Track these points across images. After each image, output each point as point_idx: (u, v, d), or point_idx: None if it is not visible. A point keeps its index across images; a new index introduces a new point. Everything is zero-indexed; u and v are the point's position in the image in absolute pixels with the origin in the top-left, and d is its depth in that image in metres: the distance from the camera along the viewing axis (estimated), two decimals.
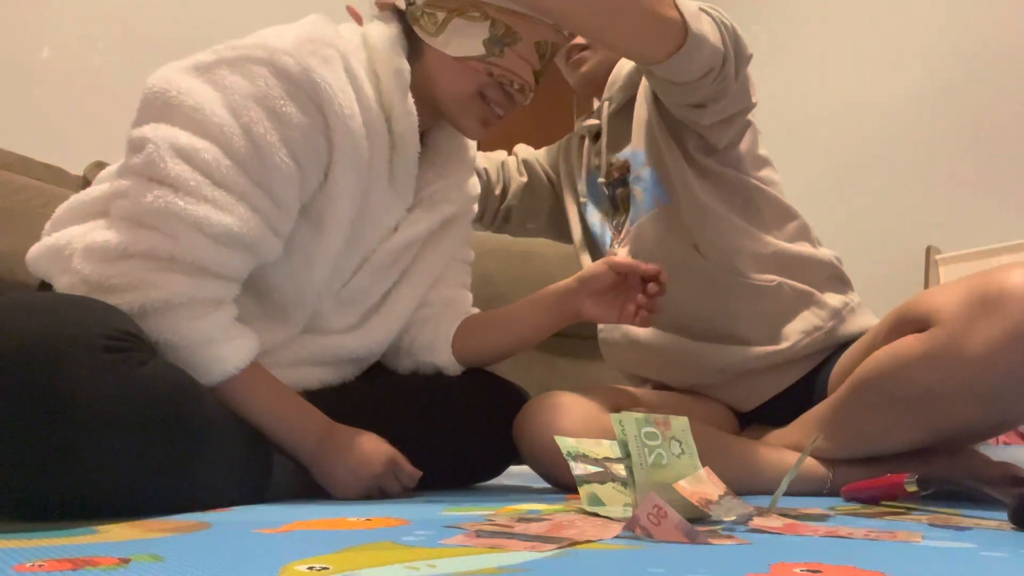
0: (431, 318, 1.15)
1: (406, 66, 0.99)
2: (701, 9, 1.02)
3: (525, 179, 1.42)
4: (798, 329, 1.17)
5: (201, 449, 0.82)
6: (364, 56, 0.99)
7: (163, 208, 0.84)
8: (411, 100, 1.00)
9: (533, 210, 1.43)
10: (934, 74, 3.03)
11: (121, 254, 0.84)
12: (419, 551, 0.55)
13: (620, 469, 0.83)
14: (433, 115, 1.08)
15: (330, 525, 0.69)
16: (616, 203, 1.29)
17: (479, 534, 0.62)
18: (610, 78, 1.29)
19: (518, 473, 1.56)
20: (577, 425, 1.03)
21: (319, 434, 0.94)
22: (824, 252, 1.24)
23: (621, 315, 1.09)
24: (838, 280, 1.24)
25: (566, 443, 0.84)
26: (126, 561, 0.50)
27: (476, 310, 1.20)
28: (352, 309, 1.07)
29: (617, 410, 1.10)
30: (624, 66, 1.29)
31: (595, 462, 0.84)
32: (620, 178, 1.27)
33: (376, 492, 0.95)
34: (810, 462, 1.07)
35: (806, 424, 1.11)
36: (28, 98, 2.44)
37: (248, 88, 0.88)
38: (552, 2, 0.96)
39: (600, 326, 1.32)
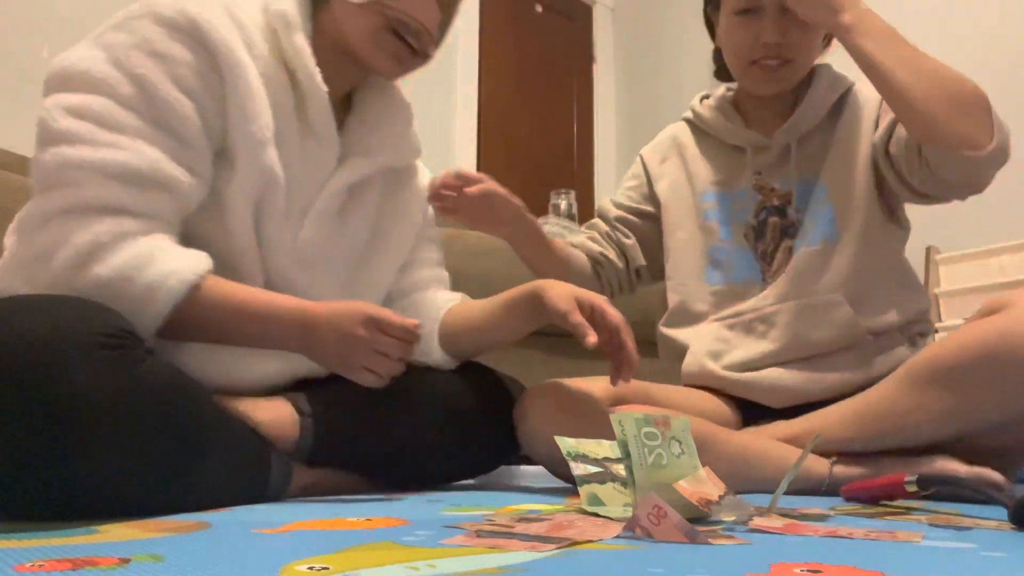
0: (409, 308, 1.18)
1: (291, 8, 1.02)
2: None
3: (632, 240, 1.41)
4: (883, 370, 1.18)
5: (199, 447, 0.81)
6: (259, 15, 1.02)
7: (61, 162, 0.85)
8: (301, 37, 1.01)
9: (655, 260, 1.41)
10: None
11: (41, 219, 0.85)
12: (419, 551, 0.55)
13: (620, 469, 0.83)
14: (355, 69, 1.09)
15: (330, 525, 0.69)
16: (763, 230, 1.28)
17: (479, 534, 0.62)
18: (806, 103, 1.27)
19: (520, 473, 1.56)
20: (577, 414, 1.05)
21: (299, 330, 0.93)
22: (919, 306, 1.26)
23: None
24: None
25: (566, 443, 0.84)
26: (126, 561, 0.50)
27: (455, 296, 1.23)
28: (315, 271, 1.06)
29: (618, 399, 1.11)
30: (817, 92, 1.28)
31: (595, 462, 0.84)
32: (778, 207, 1.27)
33: (378, 359, 0.95)
34: (810, 460, 1.07)
35: (828, 415, 1.10)
36: (28, 98, 2.44)
37: (130, 39, 0.90)
38: (898, 77, 1.06)
39: (685, 365, 1.30)
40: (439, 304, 1.19)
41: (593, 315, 1.04)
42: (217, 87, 0.94)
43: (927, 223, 2.95)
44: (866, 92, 1.28)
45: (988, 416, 0.99)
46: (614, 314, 1.04)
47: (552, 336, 1.90)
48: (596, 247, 1.41)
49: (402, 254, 1.19)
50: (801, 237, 1.25)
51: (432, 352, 1.15)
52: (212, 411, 0.86)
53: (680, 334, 1.32)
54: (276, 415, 0.98)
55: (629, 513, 0.73)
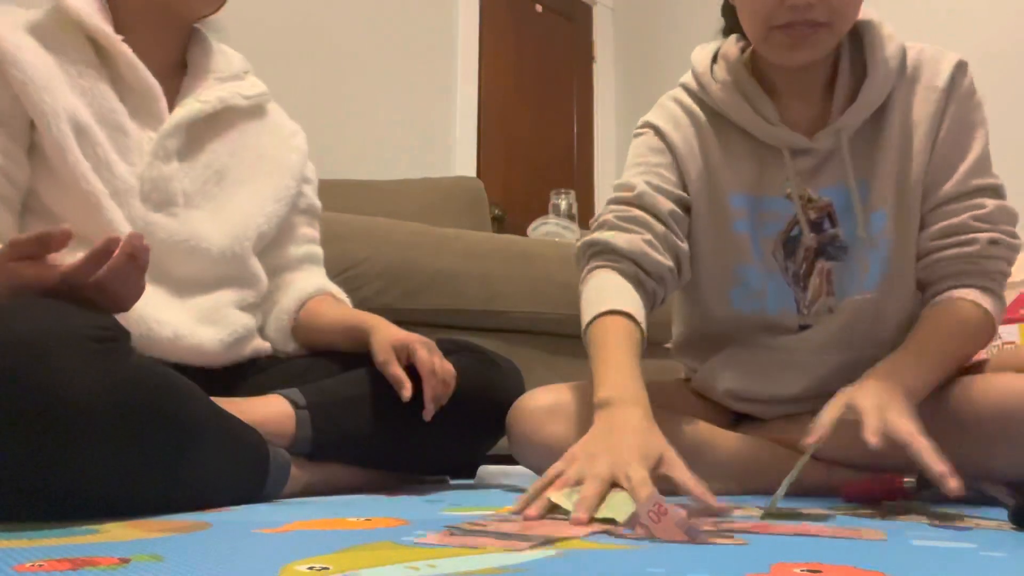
0: (275, 291, 1.22)
1: None
2: (993, 241, 1.02)
3: (686, 245, 1.11)
4: None
5: (194, 442, 0.81)
6: None
7: None
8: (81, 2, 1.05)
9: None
10: None
11: None
12: (419, 551, 0.55)
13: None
14: (173, 28, 1.14)
15: (330, 525, 0.69)
16: (794, 248, 1.08)
17: (452, 533, 0.62)
18: (862, 95, 1.03)
19: (520, 473, 1.56)
20: (568, 428, 1.03)
21: None
22: None
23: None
24: None
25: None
26: (126, 561, 0.50)
27: (318, 284, 1.25)
28: (173, 209, 1.08)
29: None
30: (877, 72, 1.03)
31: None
32: (815, 222, 1.07)
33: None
34: (808, 462, 1.06)
35: (838, 429, 1.07)
36: None
37: None
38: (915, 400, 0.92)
39: (695, 378, 1.20)
40: (299, 296, 1.22)
41: (411, 360, 1.05)
42: None
43: None
44: (927, 65, 1.06)
45: (997, 467, 0.96)
46: (426, 359, 1.03)
47: (552, 336, 1.91)
48: (658, 257, 1.07)
49: (276, 188, 1.21)
50: (850, 273, 1.07)
51: (287, 344, 1.21)
52: (205, 406, 0.86)
53: (693, 364, 1.21)
54: (271, 411, 0.98)
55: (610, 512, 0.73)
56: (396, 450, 1.08)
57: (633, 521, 0.63)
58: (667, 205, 1.09)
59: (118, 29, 1.07)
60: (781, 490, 0.81)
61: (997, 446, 0.95)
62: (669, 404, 1.14)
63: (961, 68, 1.07)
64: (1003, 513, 0.74)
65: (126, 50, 1.06)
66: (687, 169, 1.11)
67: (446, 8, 3.44)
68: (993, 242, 1.02)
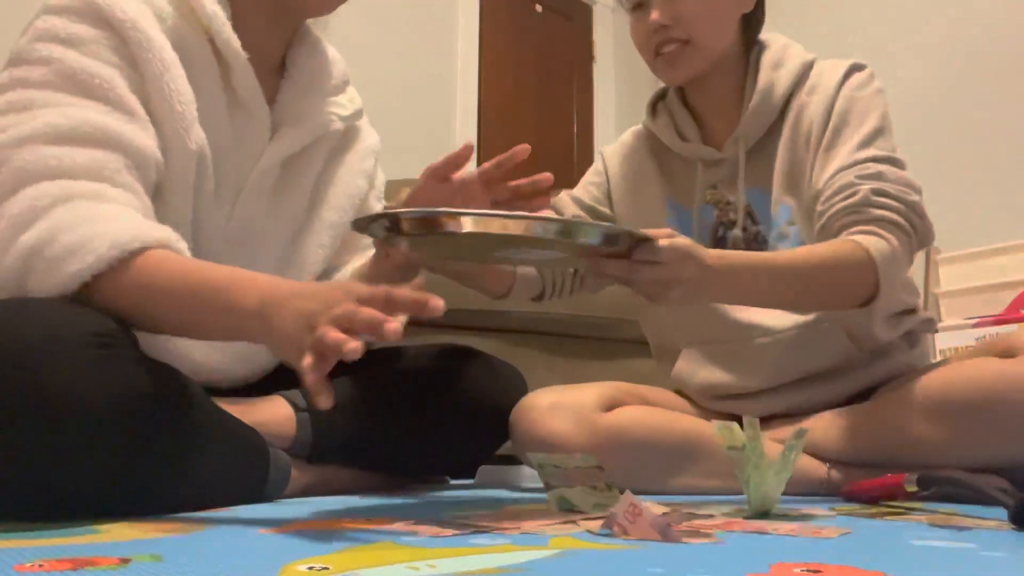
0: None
1: None
2: (878, 192, 0.99)
3: None
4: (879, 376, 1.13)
5: (195, 444, 0.81)
6: None
7: None
8: (211, 1, 0.94)
9: None
10: (934, 74, 3.03)
11: None
12: (419, 551, 0.55)
13: (593, 476, 0.82)
14: (283, 28, 1.04)
15: (330, 525, 0.69)
16: (723, 247, 1.14)
17: (417, 521, 0.67)
18: (753, 106, 1.11)
19: (521, 474, 1.56)
20: (569, 425, 1.04)
21: (260, 293, 0.74)
22: (918, 316, 1.17)
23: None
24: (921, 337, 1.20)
25: (536, 457, 0.83)
26: (126, 561, 0.50)
27: None
28: (247, 250, 1.01)
29: (613, 404, 1.10)
30: (761, 87, 1.11)
31: (565, 471, 0.82)
32: (734, 221, 1.14)
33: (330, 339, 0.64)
34: (808, 462, 1.07)
35: (830, 423, 1.08)
36: None
37: (31, 38, 0.87)
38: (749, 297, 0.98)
39: (674, 370, 1.22)
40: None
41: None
42: (133, 65, 0.88)
43: None
44: (827, 73, 1.12)
45: (989, 455, 0.98)
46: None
47: (552, 336, 1.91)
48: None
49: (343, 219, 1.11)
50: None
51: None
52: (207, 409, 0.85)
53: (668, 368, 1.25)
54: (272, 413, 0.98)
55: (601, 511, 0.74)
56: (396, 453, 1.08)
57: (610, 521, 0.64)
58: (571, 209, 1.26)
59: (233, 25, 0.96)
60: (769, 487, 0.80)
61: (988, 433, 0.96)
62: (672, 407, 1.15)
63: (854, 68, 1.11)
64: (1003, 513, 0.74)
65: (250, 71, 0.96)
66: (614, 188, 1.27)
67: (446, 8, 3.44)
68: (878, 192, 1.00)
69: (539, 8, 3.93)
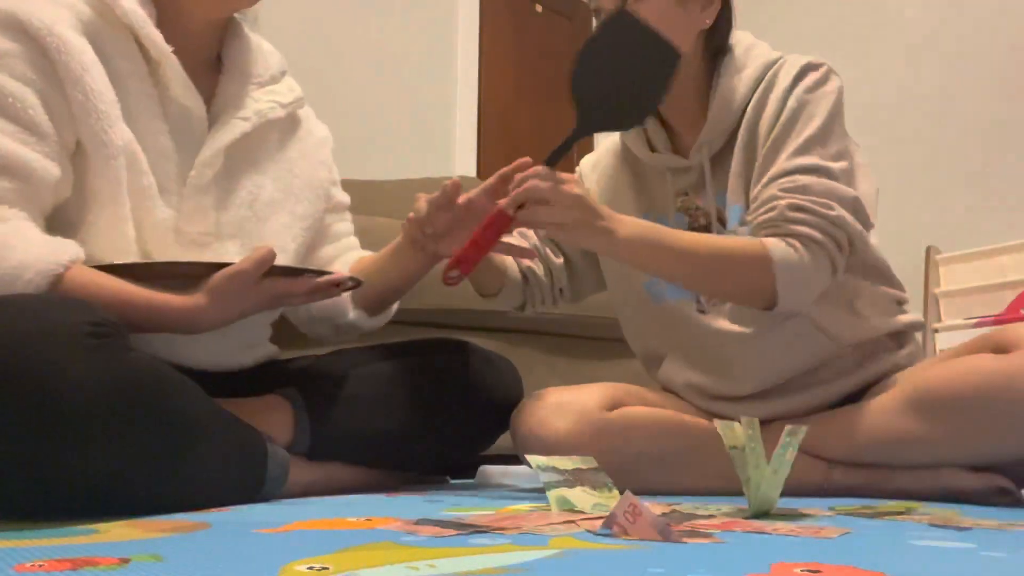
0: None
1: None
2: (794, 207, 1.01)
3: (560, 260, 1.28)
4: (869, 376, 1.13)
5: (191, 439, 0.81)
6: None
7: None
8: (129, 1, 0.95)
9: (584, 280, 1.31)
10: (934, 74, 3.03)
11: None
12: (419, 551, 0.55)
13: (592, 477, 0.83)
14: (210, 24, 1.04)
15: (330, 525, 0.69)
16: None
17: (418, 522, 0.67)
18: (712, 114, 1.13)
19: (521, 473, 1.56)
20: (573, 425, 1.05)
21: (189, 311, 0.87)
22: (904, 318, 1.17)
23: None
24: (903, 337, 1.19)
25: (536, 460, 0.84)
26: (126, 561, 0.50)
27: (360, 253, 1.20)
28: (209, 238, 1.01)
29: (615, 404, 1.11)
30: (719, 94, 1.13)
31: (564, 472, 0.84)
32: (706, 227, 1.16)
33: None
34: (808, 462, 1.07)
35: (824, 424, 1.08)
36: None
37: None
38: (648, 261, 1.02)
39: (661, 371, 1.24)
40: (344, 267, 1.16)
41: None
42: (51, 73, 0.89)
43: (927, 223, 2.96)
44: (782, 73, 1.12)
45: (984, 451, 0.98)
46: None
47: (552, 336, 1.91)
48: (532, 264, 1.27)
49: (311, 211, 1.13)
50: None
51: (346, 309, 1.13)
52: (203, 404, 0.86)
53: (655, 373, 1.27)
54: (270, 410, 0.98)
55: (601, 511, 0.75)
56: (393, 449, 1.09)
57: (610, 521, 0.64)
58: None
59: (158, 23, 0.97)
60: (767, 486, 0.80)
61: (983, 430, 0.96)
62: (672, 407, 1.16)
63: (808, 68, 1.11)
64: (1003, 513, 0.74)
65: (177, 64, 0.97)
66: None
67: (446, 8, 3.44)
68: (794, 207, 1.01)
69: (539, 8, 3.94)
